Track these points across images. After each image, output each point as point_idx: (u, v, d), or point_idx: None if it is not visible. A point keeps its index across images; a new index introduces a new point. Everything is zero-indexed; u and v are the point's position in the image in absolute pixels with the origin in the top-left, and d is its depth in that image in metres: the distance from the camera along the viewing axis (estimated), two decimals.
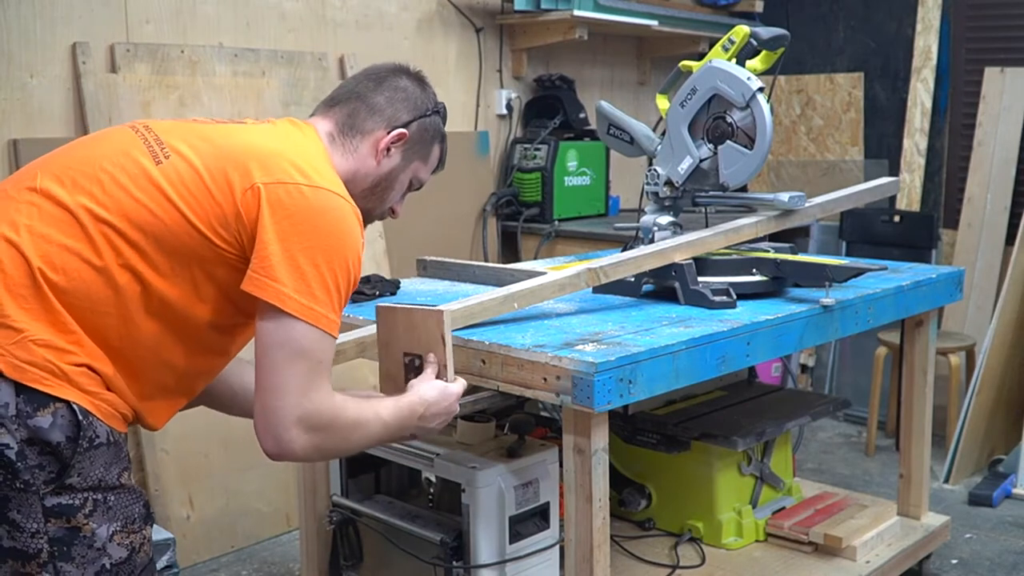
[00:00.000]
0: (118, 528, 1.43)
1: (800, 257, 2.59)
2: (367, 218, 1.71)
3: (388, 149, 1.71)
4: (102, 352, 1.45)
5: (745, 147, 2.32)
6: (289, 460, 1.54)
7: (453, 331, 1.97)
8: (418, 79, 1.78)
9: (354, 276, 1.53)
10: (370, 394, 1.85)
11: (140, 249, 1.45)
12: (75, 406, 1.40)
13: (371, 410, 1.63)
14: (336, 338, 1.54)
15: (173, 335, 1.51)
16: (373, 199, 1.74)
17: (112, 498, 1.43)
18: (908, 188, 4.63)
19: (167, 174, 1.49)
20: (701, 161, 2.39)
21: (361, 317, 2.15)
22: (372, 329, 1.99)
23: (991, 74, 4.40)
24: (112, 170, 1.48)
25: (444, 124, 1.81)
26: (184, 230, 1.47)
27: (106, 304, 1.44)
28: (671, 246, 2.27)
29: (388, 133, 1.70)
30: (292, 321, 1.46)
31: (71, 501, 1.39)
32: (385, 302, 2.12)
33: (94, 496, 1.41)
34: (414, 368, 1.82)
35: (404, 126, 1.72)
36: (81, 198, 1.45)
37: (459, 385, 1.79)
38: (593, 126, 4.24)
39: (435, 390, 1.75)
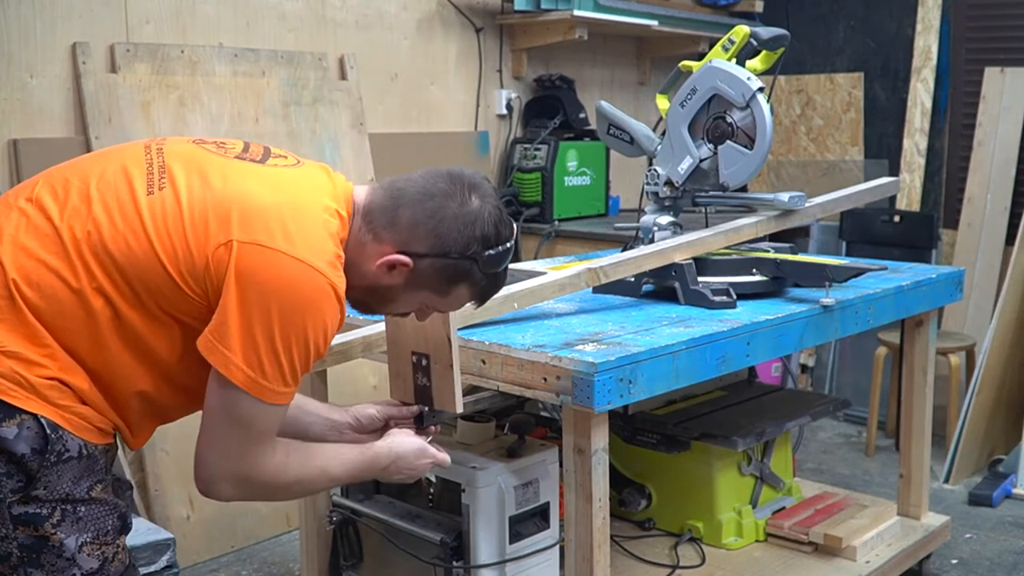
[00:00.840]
0: (88, 539, 1.42)
1: (800, 257, 2.59)
2: (367, 310, 1.66)
3: (392, 267, 1.56)
4: (77, 366, 1.43)
5: (745, 147, 2.32)
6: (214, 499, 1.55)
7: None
8: (484, 209, 1.57)
9: (316, 352, 1.46)
10: (325, 438, 1.81)
11: (113, 277, 1.42)
12: (43, 419, 1.38)
13: (317, 468, 1.59)
14: (287, 405, 1.50)
15: (143, 364, 1.48)
16: (372, 300, 1.62)
17: (83, 510, 1.41)
18: (908, 188, 4.63)
19: (152, 207, 1.44)
20: (701, 161, 2.39)
21: (362, 317, 2.15)
22: (374, 329, 2.00)
23: (991, 74, 4.40)
24: (104, 191, 1.45)
25: (497, 266, 1.60)
26: (154, 267, 1.42)
27: (79, 324, 1.42)
28: (671, 246, 2.27)
29: (396, 252, 1.55)
30: (237, 391, 1.42)
31: (38, 511, 1.37)
32: None
33: (62, 507, 1.39)
34: (421, 367, 1.82)
35: (414, 256, 1.54)
36: (69, 215, 1.43)
37: (443, 456, 1.76)
38: (593, 126, 4.24)
39: (412, 448, 1.72)
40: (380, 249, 1.55)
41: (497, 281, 1.63)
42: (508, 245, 1.60)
